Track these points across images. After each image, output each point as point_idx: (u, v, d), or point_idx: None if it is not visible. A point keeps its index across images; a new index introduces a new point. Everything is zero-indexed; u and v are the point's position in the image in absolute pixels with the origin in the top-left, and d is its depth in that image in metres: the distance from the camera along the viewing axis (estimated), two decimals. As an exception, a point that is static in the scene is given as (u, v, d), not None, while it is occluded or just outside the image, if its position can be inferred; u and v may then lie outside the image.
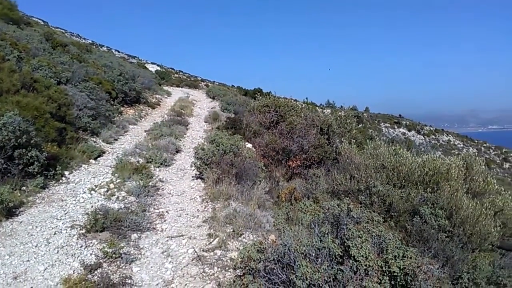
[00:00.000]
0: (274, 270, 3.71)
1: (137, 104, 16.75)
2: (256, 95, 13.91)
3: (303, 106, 15.90)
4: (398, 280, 3.32)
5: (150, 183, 7.93)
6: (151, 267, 5.12)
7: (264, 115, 11.74)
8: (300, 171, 10.09)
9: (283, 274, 3.63)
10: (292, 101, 14.84)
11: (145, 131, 12.90)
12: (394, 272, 3.31)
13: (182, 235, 6.02)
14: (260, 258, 3.76)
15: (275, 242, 3.93)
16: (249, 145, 10.93)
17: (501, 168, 51.33)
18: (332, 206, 4.08)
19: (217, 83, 51.83)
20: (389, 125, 56.47)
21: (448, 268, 6.10)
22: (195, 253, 5.40)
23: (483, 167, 9.12)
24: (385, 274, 3.33)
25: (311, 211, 4.14)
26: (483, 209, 7.21)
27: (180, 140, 12.42)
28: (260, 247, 3.83)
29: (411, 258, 3.42)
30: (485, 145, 57.58)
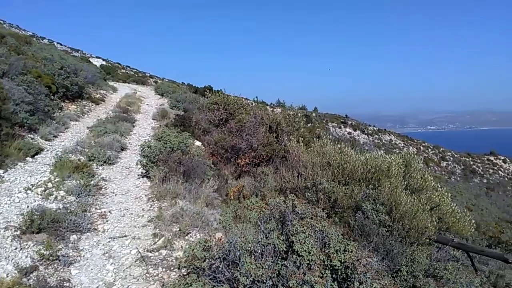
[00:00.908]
0: (220, 268, 3.68)
1: (79, 100, 16.00)
2: (206, 92, 13.74)
3: (254, 104, 15.96)
4: (339, 273, 3.42)
5: (92, 182, 7.58)
6: (91, 269, 4.91)
7: (213, 113, 11.64)
8: (249, 169, 10.12)
9: (228, 272, 3.61)
10: (243, 99, 14.85)
11: (88, 127, 12.33)
12: (335, 265, 3.40)
13: (126, 236, 5.83)
14: (205, 256, 3.71)
15: (220, 240, 3.89)
16: (198, 143, 10.80)
17: (439, 166, 54.64)
18: (277, 202, 4.12)
19: (166, 80, 50.75)
20: (336, 124, 58.22)
21: (388, 261, 6.38)
22: (139, 254, 5.24)
23: (421, 165, 9.65)
24: (327, 268, 3.41)
25: (257, 208, 4.15)
26: (421, 205, 7.62)
27: (126, 138, 12.02)
28: (205, 245, 3.78)
29: (351, 252, 3.52)
30: (424, 144, 60.98)
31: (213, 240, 3.88)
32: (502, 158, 58.10)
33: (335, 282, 3.38)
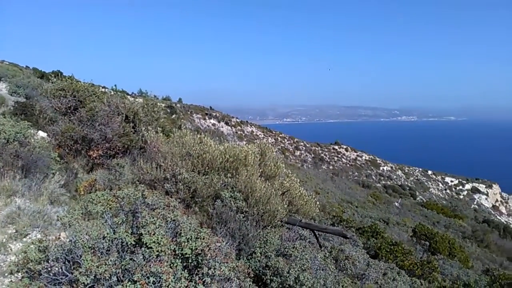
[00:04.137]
0: (59, 270, 3.33)
1: None
2: (51, 77, 12.24)
3: (112, 93, 14.90)
4: (190, 261, 3.40)
5: None
6: None
7: (60, 100, 10.47)
8: (103, 161, 9.41)
9: (69, 273, 3.28)
10: (99, 87, 13.72)
11: None
12: (186, 254, 3.37)
13: None
14: (40, 258, 3.30)
15: (59, 238, 3.52)
16: (43, 134, 9.62)
17: (293, 155, 59.67)
18: (126, 194, 3.90)
19: (7, 63, 44.03)
20: (201, 116, 58.56)
21: (244, 245, 6.68)
22: (-37, 263, 4.43)
23: (275, 153, 10.34)
24: (178, 257, 3.37)
25: (103, 202, 3.86)
26: (274, 190, 8.17)
27: None
28: (40, 246, 3.36)
29: (203, 239, 3.54)
30: (281, 135, 65.79)
31: (49, 240, 3.48)
32: (345, 147, 66.42)
33: (186, 270, 3.35)
